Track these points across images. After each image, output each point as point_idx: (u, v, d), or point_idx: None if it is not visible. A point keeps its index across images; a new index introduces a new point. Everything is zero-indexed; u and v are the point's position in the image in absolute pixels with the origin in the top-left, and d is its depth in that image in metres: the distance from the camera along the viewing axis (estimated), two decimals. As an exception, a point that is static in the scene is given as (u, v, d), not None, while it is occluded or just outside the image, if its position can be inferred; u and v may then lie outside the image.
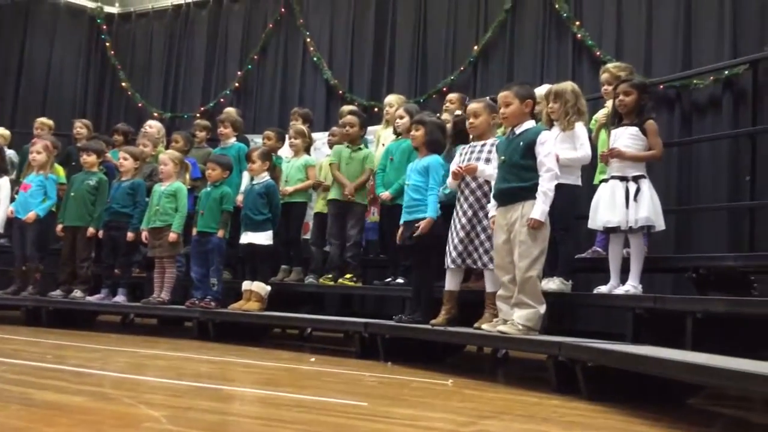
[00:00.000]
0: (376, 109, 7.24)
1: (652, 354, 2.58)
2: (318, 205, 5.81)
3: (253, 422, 2.25)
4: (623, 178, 3.83)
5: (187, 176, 5.87)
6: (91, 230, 5.89)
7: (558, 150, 3.91)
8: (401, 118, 5.23)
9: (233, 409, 2.49)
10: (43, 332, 5.28)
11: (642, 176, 3.83)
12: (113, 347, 4.47)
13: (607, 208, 3.84)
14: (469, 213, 3.99)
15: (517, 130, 3.68)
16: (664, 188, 5.51)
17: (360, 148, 5.53)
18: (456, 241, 3.99)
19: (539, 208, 3.50)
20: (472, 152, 4.07)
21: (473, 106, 4.14)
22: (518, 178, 3.59)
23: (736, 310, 2.99)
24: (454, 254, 3.99)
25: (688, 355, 2.50)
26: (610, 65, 4.70)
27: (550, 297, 3.83)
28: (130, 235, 5.72)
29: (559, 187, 3.81)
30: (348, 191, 5.36)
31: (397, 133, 5.33)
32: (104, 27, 9.40)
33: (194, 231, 5.47)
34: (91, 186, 5.96)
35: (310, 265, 5.73)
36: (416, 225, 4.22)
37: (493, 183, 3.83)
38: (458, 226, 4.02)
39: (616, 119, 3.96)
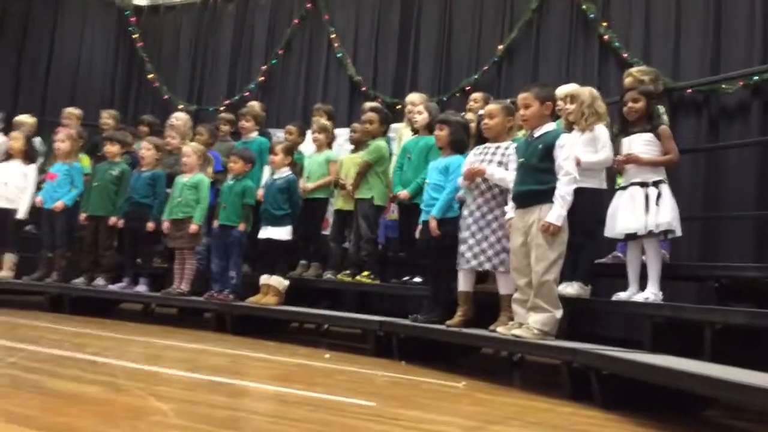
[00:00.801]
0: (398, 107, 7.21)
1: (665, 364, 2.54)
2: (338, 201, 5.81)
3: (260, 419, 2.26)
4: (643, 184, 3.79)
5: (210, 169, 5.92)
6: (112, 219, 5.97)
7: (579, 153, 3.87)
8: (420, 113, 5.22)
9: (242, 404, 2.50)
10: (65, 319, 5.36)
11: (662, 181, 3.79)
12: (131, 336, 4.52)
13: (627, 215, 3.79)
14: (477, 214, 3.97)
15: (537, 133, 3.65)
16: (690, 195, 5.44)
17: (368, 144, 5.49)
18: (467, 242, 3.97)
19: (556, 211, 3.46)
20: (485, 154, 4.04)
21: (490, 107, 4.12)
22: (536, 180, 3.56)
23: (757, 322, 2.92)
24: (468, 255, 3.97)
25: (701, 367, 2.45)
26: (633, 69, 4.64)
27: (568, 302, 3.80)
28: (149, 224, 5.77)
29: (581, 191, 3.79)
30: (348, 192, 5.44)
31: (414, 130, 5.32)
32: (132, 19, 9.50)
33: (215, 224, 5.52)
34: (114, 176, 6.04)
35: (329, 261, 5.74)
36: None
37: (505, 186, 3.81)
38: (464, 227, 4.00)
39: (626, 126, 3.92)
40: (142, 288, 5.90)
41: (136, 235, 5.92)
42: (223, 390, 2.75)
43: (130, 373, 2.99)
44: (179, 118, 6.66)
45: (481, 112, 4.95)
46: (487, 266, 3.96)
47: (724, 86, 5.47)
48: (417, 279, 5.13)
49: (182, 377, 3.01)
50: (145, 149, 5.93)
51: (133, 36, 9.49)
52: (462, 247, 4.02)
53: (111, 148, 6.10)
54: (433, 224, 4.17)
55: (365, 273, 5.33)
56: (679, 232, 3.75)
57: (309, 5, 8.30)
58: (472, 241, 3.96)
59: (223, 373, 3.22)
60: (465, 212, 4.06)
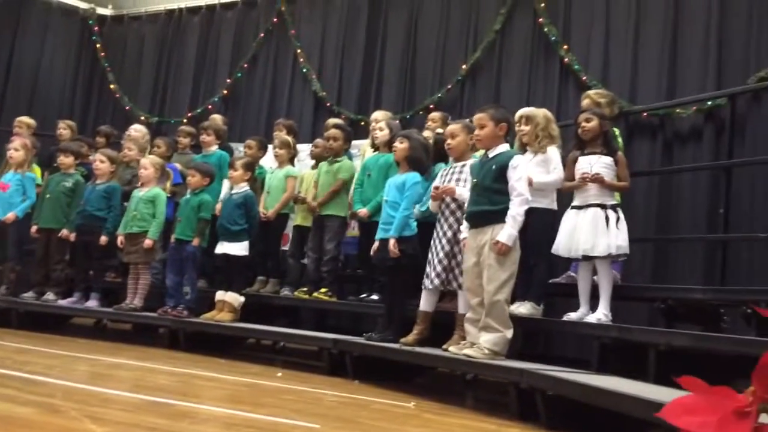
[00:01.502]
0: (363, 123, 7.23)
1: (606, 386, 2.55)
2: (298, 217, 5.78)
3: (197, 442, 2.21)
4: (602, 206, 3.84)
5: (168, 183, 5.85)
6: (64, 232, 5.84)
7: (532, 173, 3.91)
8: (381, 130, 5.23)
9: (182, 427, 2.43)
10: (11, 335, 5.21)
11: (618, 205, 3.86)
12: (78, 354, 4.40)
13: (589, 236, 3.83)
14: (449, 234, 3.98)
15: (491, 154, 3.69)
16: (644, 216, 5.53)
17: (338, 161, 5.48)
18: (436, 262, 3.97)
19: (507, 231, 3.49)
20: (452, 173, 4.06)
21: (451, 127, 4.15)
22: (489, 201, 3.59)
23: (699, 344, 2.97)
24: (433, 275, 3.96)
25: (642, 389, 2.47)
26: (591, 92, 4.73)
27: (519, 321, 3.82)
28: (103, 238, 5.66)
29: (533, 211, 3.83)
30: (311, 209, 5.42)
31: (374, 147, 5.32)
32: (96, 29, 9.37)
33: (172, 238, 5.44)
34: (67, 188, 5.92)
35: (287, 277, 5.69)
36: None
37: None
38: (439, 248, 4.00)
39: (582, 147, 3.99)
40: (93, 303, 5.77)
41: (89, 249, 5.80)
42: (165, 411, 2.69)
43: (70, 393, 2.90)
44: (137, 129, 6.58)
45: (439, 130, 5.00)
46: (454, 285, 3.96)
47: (678, 110, 5.60)
48: (374, 296, 5.11)
49: (125, 398, 2.94)
50: (99, 161, 5.82)
51: (96, 45, 9.36)
52: (429, 267, 4.01)
53: (64, 160, 5.98)
54: (392, 244, 4.16)
55: (323, 290, 5.30)
56: (627, 253, 3.82)
57: (275, 20, 8.29)
58: (446, 262, 3.95)
59: (168, 393, 3.15)
60: (437, 232, 4.05)
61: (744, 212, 5.03)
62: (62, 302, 5.81)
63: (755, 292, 3.47)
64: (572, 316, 3.92)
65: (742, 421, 0.96)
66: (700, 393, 1.02)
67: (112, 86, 9.14)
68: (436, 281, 3.96)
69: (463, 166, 4.04)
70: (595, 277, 3.91)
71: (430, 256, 4.06)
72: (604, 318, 3.77)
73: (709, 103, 5.36)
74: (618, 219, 3.82)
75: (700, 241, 5.20)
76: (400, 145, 4.38)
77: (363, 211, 5.06)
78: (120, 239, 5.57)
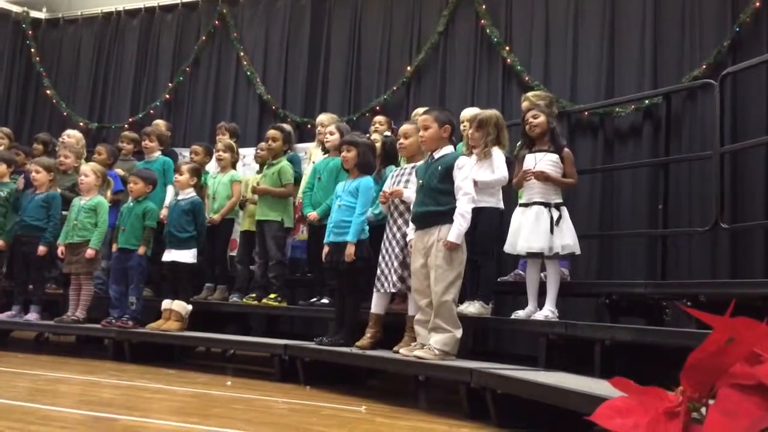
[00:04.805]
0: (309, 126, 7.19)
1: (553, 383, 2.59)
2: (245, 222, 5.70)
3: (142, 458, 2.15)
4: (546, 204, 3.89)
5: (109, 192, 5.69)
6: (1, 243, 5.62)
7: (475, 174, 3.94)
8: (331, 134, 5.20)
9: (126, 442, 2.37)
10: (-55, 352, 4.99)
11: (562, 203, 3.91)
12: (18, 369, 4.24)
13: (531, 233, 3.87)
14: (398, 235, 3.98)
15: (436, 155, 3.70)
16: (588, 213, 5.65)
17: (274, 163, 5.41)
18: (388, 266, 3.97)
19: (455, 230, 3.51)
20: (401, 175, 4.07)
21: (404, 127, 4.16)
22: (435, 202, 3.60)
23: (642, 338, 3.04)
24: (395, 279, 3.94)
25: (589, 385, 2.52)
26: (530, 93, 4.80)
27: (468, 321, 3.85)
28: (41, 248, 5.47)
29: (480, 211, 3.87)
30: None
31: (325, 150, 5.29)
32: (30, 32, 9.05)
33: (114, 247, 5.30)
34: (2, 197, 5.69)
35: (235, 283, 5.61)
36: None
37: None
38: (391, 251, 3.99)
39: (528, 144, 4.04)
40: (33, 316, 5.57)
41: (28, 260, 5.59)
42: (106, 427, 2.61)
43: (7, 412, 2.79)
44: (72, 135, 6.37)
45: (387, 133, 5.01)
46: (401, 287, 3.96)
47: (618, 109, 5.74)
48: (324, 300, 5.08)
49: (67, 414, 2.84)
50: (35, 172, 5.60)
51: (31, 50, 9.04)
52: (385, 270, 4.00)
53: (-2, 169, 5.76)
54: (351, 250, 4.13)
55: (272, 295, 5.24)
56: (578, 251, 3.87)
57: (216, 22, 8.16)
58: (396, 264, 3.94)
59: (113, 407, 3.06)
60: (388, 234, 4.05)
61: (682, 207, 5.20)
62: (0, 316, 5.59)
63: (694, 285, 3.58)
64: (520, 313, 3.97)
65: (673, 420, 0.98)
66: (631, 394, 1.04)
67: (48, 92, 8.85)
68: (399, 285, 3.95)
69: (413, 167, 4.05)
70: (543, 275, 3.97)
71: (381, 258, 4.05)
72: (551, 315, 3.83)
73: (647, 101, 5.52)
74: (560, 217, 3.84)
75: (642, 237, 5.34)
76: (349, 154, 4.36)
77: (313, 214, 5.01)
78: (60, 249, 5.40)
